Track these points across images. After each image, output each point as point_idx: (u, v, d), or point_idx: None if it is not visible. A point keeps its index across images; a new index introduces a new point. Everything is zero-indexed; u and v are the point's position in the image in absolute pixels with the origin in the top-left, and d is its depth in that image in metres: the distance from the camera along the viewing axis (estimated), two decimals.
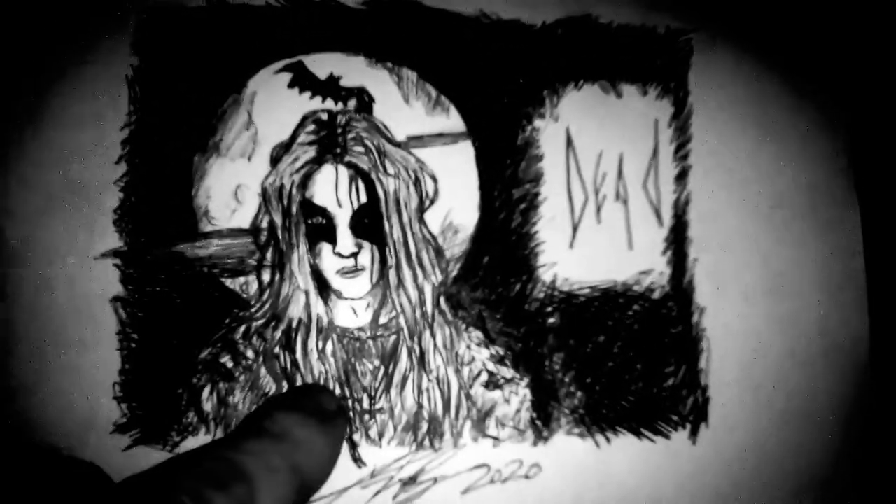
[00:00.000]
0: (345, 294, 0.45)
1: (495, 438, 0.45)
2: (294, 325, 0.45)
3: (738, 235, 0.48)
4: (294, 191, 0.45)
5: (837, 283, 0.48)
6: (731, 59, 0.49)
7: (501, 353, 0.45)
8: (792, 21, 0.50)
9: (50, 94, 0.45)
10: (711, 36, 0.49)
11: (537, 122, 0.47)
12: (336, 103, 0.46)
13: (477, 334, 0.46)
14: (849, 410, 0.47)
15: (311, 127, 0.46)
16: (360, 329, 0.45)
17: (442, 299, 0.46)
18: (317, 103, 0.46)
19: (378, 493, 0.43)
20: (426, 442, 0.44)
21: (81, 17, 0.46)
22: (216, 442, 0.31)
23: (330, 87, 0.46)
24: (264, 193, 0.45)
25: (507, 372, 0.45)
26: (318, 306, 0.45)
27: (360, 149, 0.45)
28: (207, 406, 0.43)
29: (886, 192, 0.49)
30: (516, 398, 0.45)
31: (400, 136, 0.46)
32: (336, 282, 0.45)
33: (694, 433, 0.46)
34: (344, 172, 0.45)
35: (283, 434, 0.30)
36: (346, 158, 0.45)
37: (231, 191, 0.45)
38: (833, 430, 0.46)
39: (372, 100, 0.46)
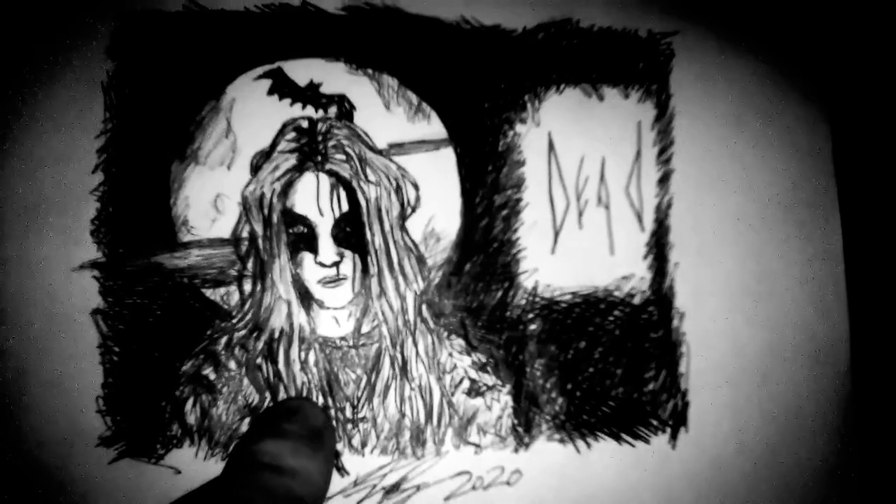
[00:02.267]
0: (327, 304, 0.45)
1: (477, 445, 0.45)
2: (276, 335, 0.45)
3: (719, 239, 0.48)
4: (275, 200, 0.44)
5: (818, 285, 0.48)
6: (713, 61, 0.49)
7: (483, 360, 0.46)
8: (774, 24, 0.49)
9: (23, 101, 0.45)
10: (693, 39, 0.48)
11: (519, 128, 0.47)
12: (316, 111, 0.46)
13: (459, 342, 0.46)
14: (830, 413, 0.47)
15: (292, 135, 0.45)
16: (343, 338, 0.45)
17: (424, 307, 0.46)
18: (297, 110, 0.45)
19: (361, 501, 0.44)
20: (409, 450, 0.45)
21: (55, 21, 0.45)
22: (215, 481, 0.31)
23: (310, 95, 0.46)
24: (244, 202, 0.45)
25: (489, 379, 0.46)
26: (300, 316, 0.45)
27: (341, 156, 0.45)
28: (191, 418, 0.44)
29: (867, 195, 0.49)
30: (498, 405, 0.45)
31: (381, 144, 0.46)
32: (318, 291, 0.45)
33: (674, 437, 0.46)
34: (325, 181, 0.45)
35: (278, 466, 0.31)
36: (327, 166, 0.45)
37: (210, 200, 0.45)
38: (814, 433, 0.47)
39: (353, 107, 0.46)
